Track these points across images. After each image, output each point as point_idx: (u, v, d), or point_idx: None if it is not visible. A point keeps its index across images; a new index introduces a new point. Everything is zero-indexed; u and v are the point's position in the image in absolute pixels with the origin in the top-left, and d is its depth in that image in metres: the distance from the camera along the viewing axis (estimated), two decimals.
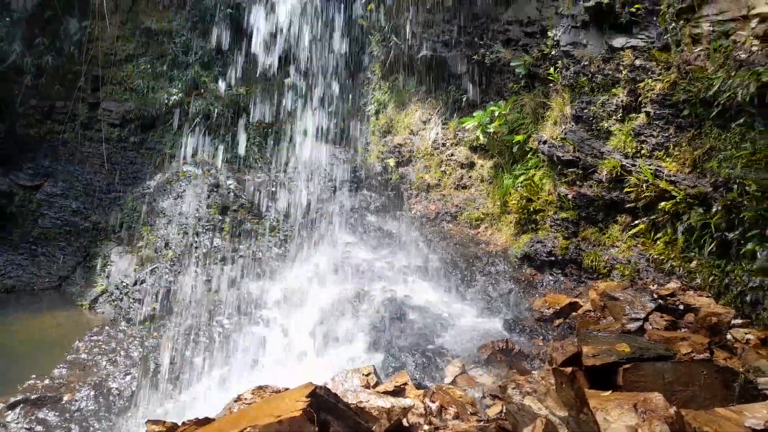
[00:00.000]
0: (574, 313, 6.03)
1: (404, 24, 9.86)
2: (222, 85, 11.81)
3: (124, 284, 9.62)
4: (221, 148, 11.15)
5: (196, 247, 9.22)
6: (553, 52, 7.30)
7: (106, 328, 8.39)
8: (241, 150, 10.94)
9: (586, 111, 6.63)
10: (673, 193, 5.59)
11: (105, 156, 12.29)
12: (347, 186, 10.01)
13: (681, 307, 5.20)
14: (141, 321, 8.68)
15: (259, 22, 11.23)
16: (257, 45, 11.43)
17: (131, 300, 9.14)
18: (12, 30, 11.28)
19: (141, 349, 7.50)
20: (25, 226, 11.71)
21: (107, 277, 10.14)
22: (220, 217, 9.43)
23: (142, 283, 9.33)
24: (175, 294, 8.73)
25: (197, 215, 9.80)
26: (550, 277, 7.00)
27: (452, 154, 9.57)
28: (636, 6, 5.75)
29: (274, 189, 9.77)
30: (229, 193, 9.81)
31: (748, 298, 4.96)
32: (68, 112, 12.32)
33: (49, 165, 12.40)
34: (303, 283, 7.60)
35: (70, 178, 12.25)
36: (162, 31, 12.25)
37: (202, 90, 12.01)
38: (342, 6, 11.47)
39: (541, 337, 5.87)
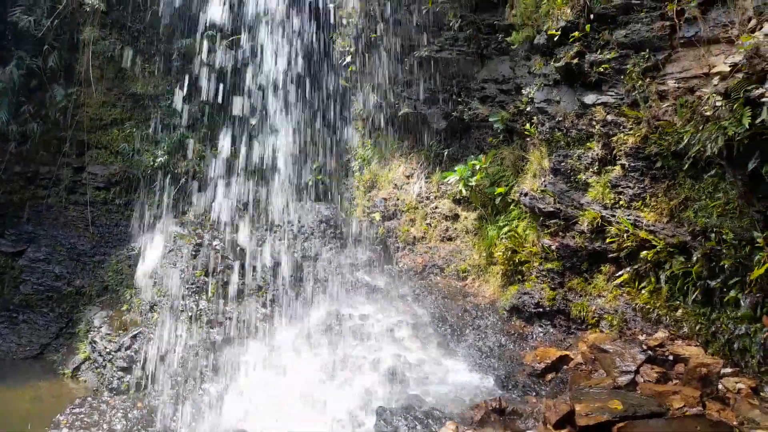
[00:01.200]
0: (565, 367, 5.98)
1: (384, 84, 10.16)
2: (208, 146, 11.97)
3: (108, 350, 9.38)
4: (207, 208, 11.19)
5: (181, 311, 9.08)
6: (528, 109, 7.55)
7: (89, 399, 8.12)
8: (227, 210, 10.97)
9: (563, 164, 6.79)
10: (654, 243, 5.68)
11: (89, 219, 12.24)
12: (334, 243, 10.03)
13: (671, 357, 5.20)
14: (124, 390, 8.42)
15: (245, 85, 11.50)
16: (244, 107, 11.67)
17: (115, 368, 8.89)
18: None
19: (125, 422, 7.24)
20: (5, 293, 11.49)
21: (90, 343, 9.90)
22: (206, 279, 9.34)
23: (126, 348, 9.11)
24: (160, 360, 8.52)
25: (183, 277, 9.70)
26: (540, 329, 6.97)
27: (436, 207, 9.68)
28: (603, 66, 6.01)
29: (260, 248, 9.74)
30: (215, 253, 9.76)
31: (735, 346, 4.97)
32: (53, 177, 12.34)
33: (33, 230, 12.30)
34: (291, 345, 7.48)
35: (53, 242, 12.13)
36: (148, 96, 12.48)
37: (189, 151, 12.15)
38: (325, 65, 11.83)
39: (534, 393, 5.80)
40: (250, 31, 11.53)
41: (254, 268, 9.27)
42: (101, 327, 10.00)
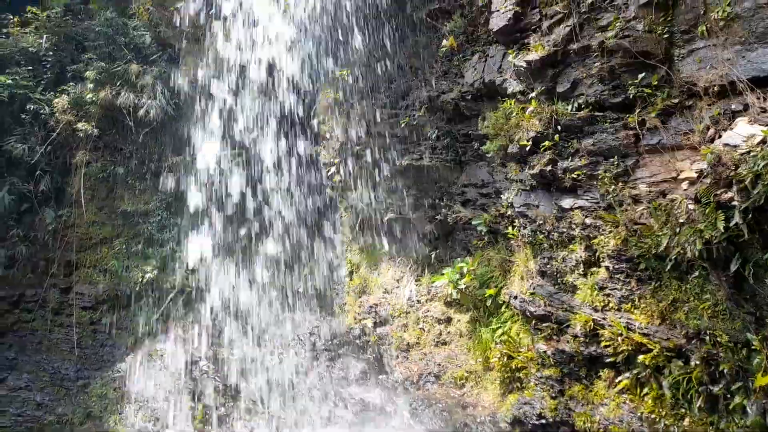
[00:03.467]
0: None
1: (369, 191, 10.38)
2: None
3: None
4: (197, 324, 10.93)
5: None
6: (509, 212, 7.66)
7: None
8: (216, 325, 10.73)
9: (549, 266, 6.77)
10: (650, 346, 5.52)
11: (75, 341, 11.90)
12: (326, 354, 9.73)
13: None
14: None
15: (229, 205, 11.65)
16: (233, 221, 11.79)
17: None
18: None
19: None
20: None
21: None
22: (193, 404, 8.92)
23: None
24: None
25: (168, 400, 9.27)
26: None
27: (428, 311, 9.50)
28: (576, 173, 6.18)
29: (250, 366, 9.41)
30: (202, 374, 9.39)
31: None
32: (39, 300, 12.16)
33: (15, 356, 11.91)
34: None
35: (36, 368, 11.71)
36: (138, 213, 12.63)
37: (178, 265, 12.09)
38: (313, 173, 12.11)
39: None
40: (243, 148, 11.81)
41: (244, 387, 8.89)
42: None
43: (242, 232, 12.40)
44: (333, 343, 10.10)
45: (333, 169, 11.01)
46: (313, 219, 11.70)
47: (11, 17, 12.19)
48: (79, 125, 11.40)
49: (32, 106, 11.40)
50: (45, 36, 11.88)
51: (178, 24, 11.16)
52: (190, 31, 11.42)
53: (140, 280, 11.95)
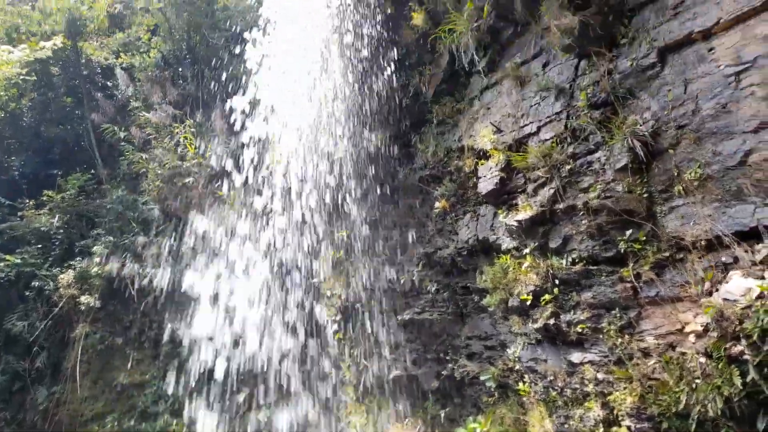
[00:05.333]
0: None
1: (371, 348, 10.19)
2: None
3: None
4: None
5: None
6: (517, 366, 7.45)
7: None
8: None
9: (566, 426, 6.42)
10: None
11: None
12: None
13: None
14: None
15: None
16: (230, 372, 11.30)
17: None
18: None
19: None
20: None
21: None
22: None
23: None
24: None
25: None
26: None
27: None
28: (580, 326, 6.16)
29: None
30: None
31: None
32: None
33: None
34: None
35: None
36: (133, 384, 12.15)
37: None
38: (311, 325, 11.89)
39: None
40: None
41: None
42: None
43: (240, 398, 11.87)
44: None
45: (335, 326, 10.92)
46: (316, 383, 11.24)
47: (27, 201, 12.92)
48: (82, 298, 11.46)
49: (37, 283, 11.56)
50: (57, 216, 12.49)
51: (186, 198, 11.85)
52: (196, 203, 12.07)
53: None
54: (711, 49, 5.14)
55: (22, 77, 13.61)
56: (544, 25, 7.00)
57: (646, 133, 5.56)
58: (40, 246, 12.27)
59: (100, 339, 12.02)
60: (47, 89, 15.02)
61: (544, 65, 7.24)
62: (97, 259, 11.83)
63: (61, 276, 11.60)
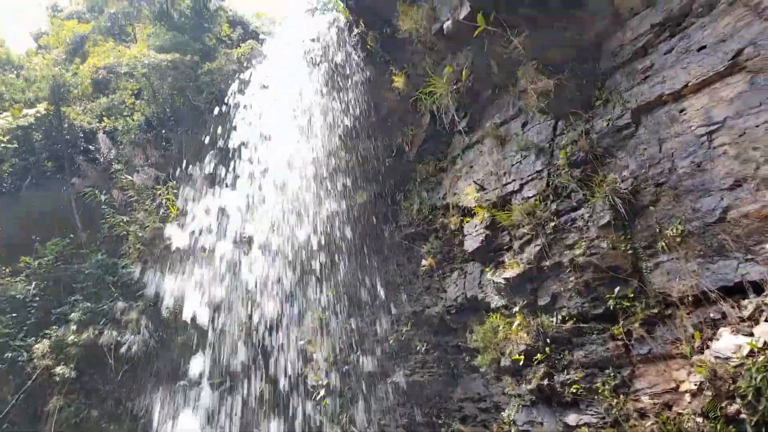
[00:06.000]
0: None
1: (362, 414, 9.84)
2: None
3: None
4: None
5: None
6: (512, 430, 7.22)
7: None
8: None
9: None
10: None
11: None
12: None
13: None
14: None
15: None
16: None
17: None
18: None
19: None
20: None
21: None
22: None
23: None
24: None
25: None
26: None
27: None
28: (574, 386, 6.05)
29: None
30: None
31: None
32: None
33: None
34: None
35: None
36: None
37: None
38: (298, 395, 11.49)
39: None
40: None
41: None
42: None
43: None
44: None
45: (322, 392, 10.56)
46: None
47: (4, 268, 12.57)
48: (57, 369, 10.98)
49: (10, 354, 11.08)
50: (34, 282, 12.15)
51: (167, 260, 11.66)
52: (178, 265, 11.87)
53: None
54: (682, 110, 5.34)
55: (3, 145, 13.56)
56: (521, 87, 7.23)
57: (626, 190, 5.68)
58: (15, 315, 11.84)
59: (75, 412, 11.44)
60: (28, 154, 14.98)
61: (523, 125, 7.45)
62: (74, 327, 11.43)
63: (36, 346, 11.14)
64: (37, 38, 23.39)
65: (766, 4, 4.73)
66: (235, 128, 12.08)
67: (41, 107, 14.15)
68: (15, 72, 16.74)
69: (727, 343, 4.46)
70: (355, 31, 10.35)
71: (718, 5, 5.13)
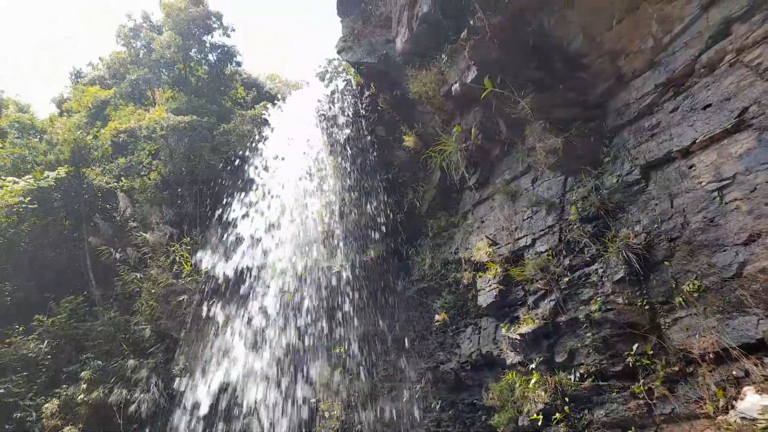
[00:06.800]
0: None
1: None
2: None
3: None
4: None
5: None
6: None
7: None
8: None
9: None
10: None
11: None
12: None
13: None
14: None
15: None
16: None
17: None
18: None
19: None
20: None
21: None
22: None
23: None
24: None
25: None
26: None
27: None
28: None
29: None
30: None
31: None
32: None
33: None
34: None
35: None
36: None
37: None
38: None
39: None
40: None
41: None
42: None
43: None
44: None
45: None
46: None
47: (17, 327, 12.59)
48: (66, 429, 10.78)
49: (19, 414, 10.92)
50: (46, 341, 12.13)
51: (179, 317, 11.65)
52: (190, 322, 11.85)
53: None
54: (692, 166, 5.44)
55: (24, 205, 13.90)
56: (530, 145, 7.41)
57: (639, 245, 5.69)
58: (26, 374, 11.76)
59: None
60: (47, 214, 15.31)
61: (533, 181, 7.58)
62: (84, 386, 11.31)
63: (45, 406, 10.99)
64: (60, 104, 24.48)
65: (766, 66, 4.90)
66: (247, 184, 12.34)
67: (62, 170, 14.61)
68: (38, 136, 17.40)
69: (753, 403, 4.34)
70: (366, 93, 10.76)
71: (719, 66, 5.33)
